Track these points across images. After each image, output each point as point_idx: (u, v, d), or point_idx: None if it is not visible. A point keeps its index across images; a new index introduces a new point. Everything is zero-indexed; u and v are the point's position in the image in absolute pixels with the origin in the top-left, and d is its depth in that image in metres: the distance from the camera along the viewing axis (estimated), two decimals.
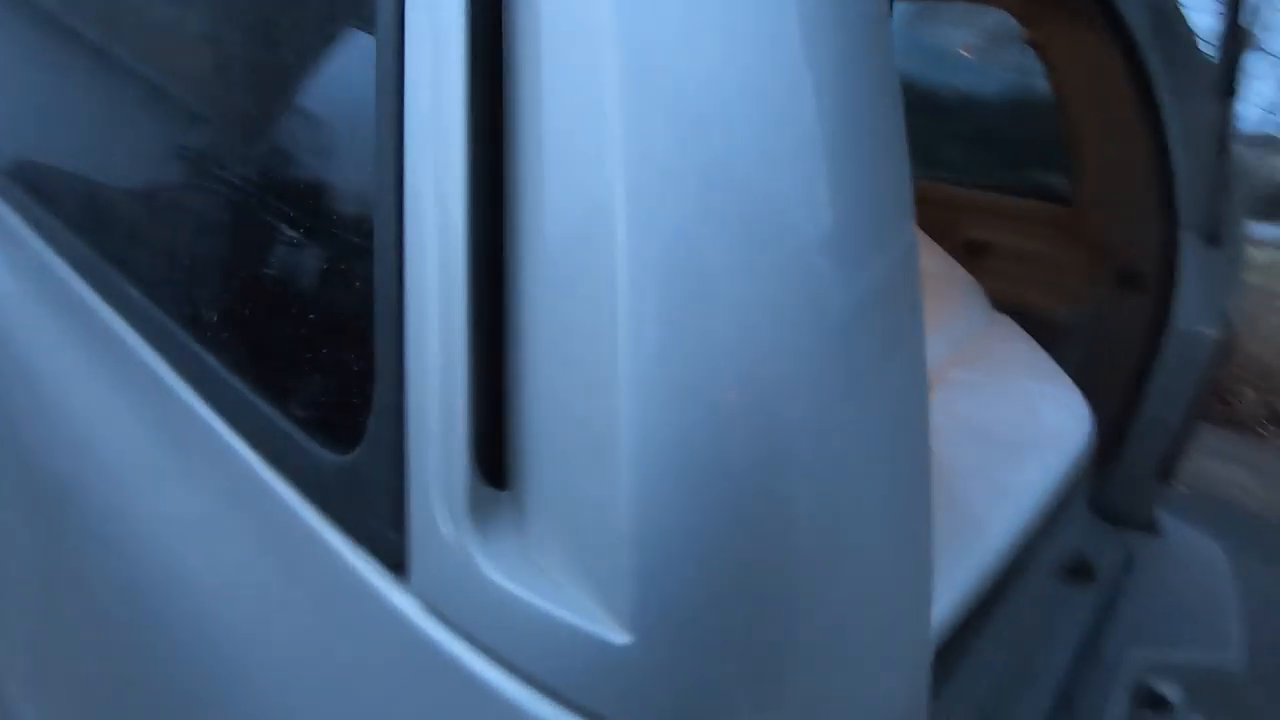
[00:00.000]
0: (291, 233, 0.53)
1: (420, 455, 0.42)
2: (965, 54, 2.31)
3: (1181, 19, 1.40)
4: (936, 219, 1.60)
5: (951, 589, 0.73)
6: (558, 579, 0.39)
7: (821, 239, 0.35)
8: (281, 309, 0.55)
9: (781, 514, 0.35)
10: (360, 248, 0.47)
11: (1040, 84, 1.68)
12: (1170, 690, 1.15)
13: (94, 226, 0.75)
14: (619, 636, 0.36)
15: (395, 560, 0.44)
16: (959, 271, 1.38)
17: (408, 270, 0.43)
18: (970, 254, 1.76)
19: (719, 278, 0.35)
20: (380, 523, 0.45)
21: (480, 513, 0.40)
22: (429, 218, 0.41)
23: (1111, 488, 1.51)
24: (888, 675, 0.40)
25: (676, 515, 0.35)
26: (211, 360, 0.57)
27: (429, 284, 0.41)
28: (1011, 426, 1.04)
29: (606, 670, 0.37)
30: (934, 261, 1.36)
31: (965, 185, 2.03)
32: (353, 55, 0.48)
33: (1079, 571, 1.29)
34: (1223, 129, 1.35)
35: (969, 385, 1.03)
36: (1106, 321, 1.58)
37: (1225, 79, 1.32)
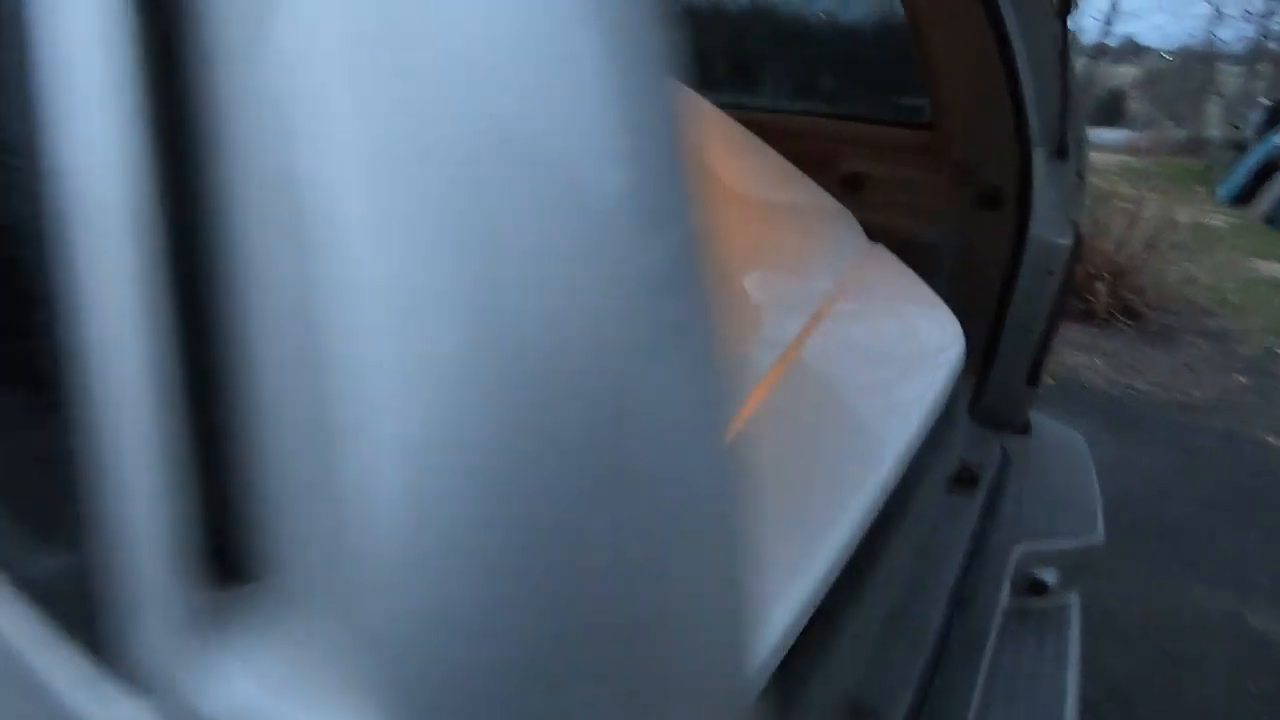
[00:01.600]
0: None
1: (123, 551, 0.34)
2: None
3: None
4: (816, 152, 1.63)
5: (861, 499, 0.76)
6: (318, 688, 0.34)
7: (616, 194, 0.29)
8: None
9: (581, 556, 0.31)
10: None
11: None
12: (1047, 575, 1.29)
13: None
14: None
15: (134, 677, 0.37)
16: (835, 205, 1.41)
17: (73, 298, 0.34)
18: (849, 188, 1.81)
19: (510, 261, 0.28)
20: (110, 633, 0.37)
21: (216, 619, 0.34)
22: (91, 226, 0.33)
23: (988, 396, 1.62)
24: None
25: (440, 589, 0.29)
26: None
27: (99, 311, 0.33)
28: (893, 349, 1.10)
29: None
30: (812, 197, 1.39)
31: (840, 116, 2.06)
32: None
33: (964, 478, 1.39)
34: (1062, 47, 1.43)
35: (852, 315, 1.07)
36: (971, 239, 1.66)
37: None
